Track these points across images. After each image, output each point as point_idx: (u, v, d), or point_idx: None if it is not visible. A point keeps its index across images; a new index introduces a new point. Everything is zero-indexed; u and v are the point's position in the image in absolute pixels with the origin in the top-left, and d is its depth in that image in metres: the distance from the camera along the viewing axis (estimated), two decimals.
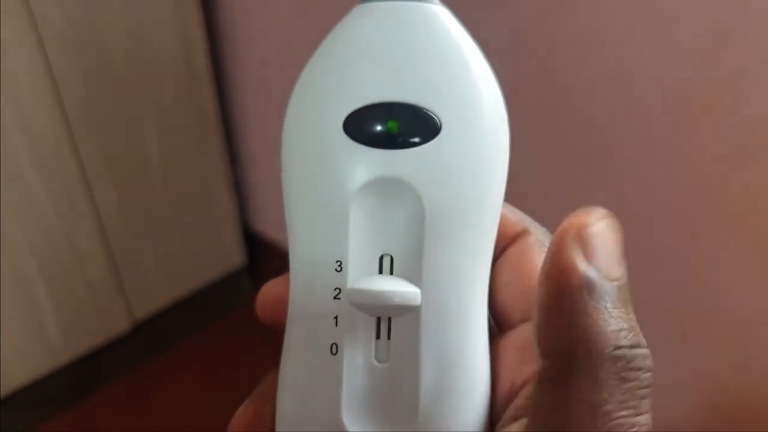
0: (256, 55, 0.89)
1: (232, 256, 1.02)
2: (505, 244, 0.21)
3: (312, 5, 0.76)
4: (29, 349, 0.84)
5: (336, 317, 0.19)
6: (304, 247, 0.19)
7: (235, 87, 0.94)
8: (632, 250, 0.58)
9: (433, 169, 0.18)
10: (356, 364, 0.19)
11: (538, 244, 0.20)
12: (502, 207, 0.20)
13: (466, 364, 0.19)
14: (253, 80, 0.91)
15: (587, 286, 0.15)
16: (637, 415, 0.15)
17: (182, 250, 0.95)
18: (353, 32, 0.19)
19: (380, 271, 0.19)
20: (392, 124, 0.18)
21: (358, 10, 0.19)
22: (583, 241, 0.16)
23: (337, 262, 0.18)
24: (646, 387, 0.15)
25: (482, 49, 0.19)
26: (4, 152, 0.73)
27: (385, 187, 0.18)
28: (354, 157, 0.18)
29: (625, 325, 0.16)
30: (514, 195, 0.23)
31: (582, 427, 0.15)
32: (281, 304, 0.20)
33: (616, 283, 0.16)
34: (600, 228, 0.16)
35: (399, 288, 0.18)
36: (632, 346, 0.15)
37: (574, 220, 0.16)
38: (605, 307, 0.15)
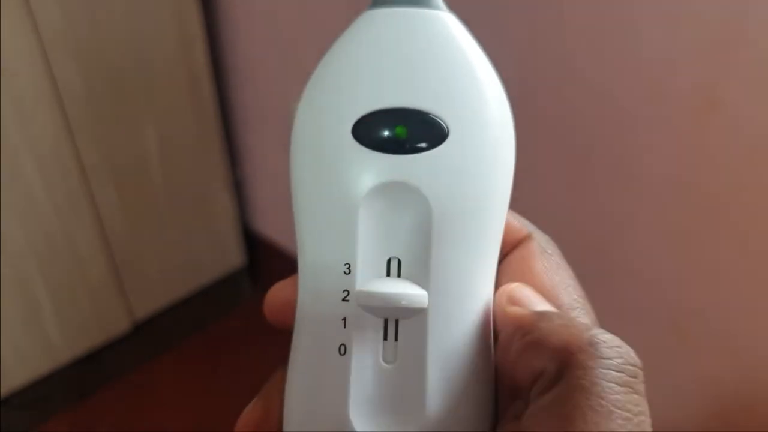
0: (256, 55, 0.89)
1: (232, 256, 1.02)
2: (509, 248, 0.21)
3: (312, 5, 0.76)
4: (29, 349, 0.84)
5: (344, 319, 0.19)
6: (313, 250, 0.19)
7: (235, 87, 0.94)
8: (633, 250, 0.58)
9: (440, 174, 0.18)
10: (364, 364, 0.19)
11: (539, 250, 0.21)
12: (507, 213, 0.20)
13: (472, 366, 0.19)
14: (253, 80, 0.91)
15: (538, 317, 0.18)
16: (634, 393, 0.16)
17: (182, 251, 0.95)
18: (361, 38, 0.19)
19: (388, 274, 0.19)
20: (400, 130, 0.18)
21: (367, 17, 0.20)
22: (515, 299, 0.19)
23: (345, 264, 0.19)
24: (634, 365, 0.16)
25: (489, 55, 0.20)
26: (4, 152, 0.73)
27: (394, 192, 0.19)
28: (363, 162, 0.19)
29: (583, 325, 0.18)
30: (520, 199, 0.24)
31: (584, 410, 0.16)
32: (289, 306, 0.20)
33: (553, 309, 0.19)
34: (520, 287, 0.20)
35: (406, 290, 0.18)
36: (604, 332, 0.17)
37: (499, 293, 0.20)
38: (563, 319, 0.18)
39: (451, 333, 0.19)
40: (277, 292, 0.21)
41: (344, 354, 0.19)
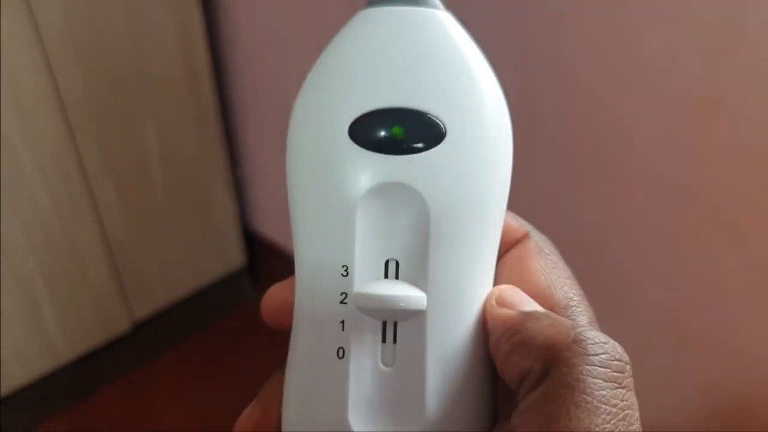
0: (256, 54, 0.89)
1: (232, 256, 1.02)
2: (507, 248, 0.21)
3: (312, 5, 0.76)
4: (29, 349, 0.84)
5: (342, 321, 0.19)
6: (310, 252, 0.19)
7: (235, 87, 0.94)
8: (632, 251, 0.58)
9: (438, 175, 0.18)
10: (363, 367, 0.19)
11: (537, 249, 0.21)
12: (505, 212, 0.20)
13: (471, 367, 0.19)
14: (253, 80, 0.91)
15: (525, 317, 0.18)
16: (619, 387, 0.16)
17: (182, 251, 0.95)
18: (357, 37, 0.19)
19: (386, 276, 0.19)
20: (397, 130, 0.18)
21: (362, 15, 0.19)
22: (503, 301, 0.19)
23: (343, 266, 0.19)
24: (620, 360, 0.17)
25: (487, 54, 0.20)
26: (4, 152, 0.73)
27: (391, 193, 0.18)
28: (360, 163, 0.18)
29: (570, 322, 0.18)
30: (518, 199, 0.24)
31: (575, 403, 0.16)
32: (286, 308, 0.20)
33: (541, 309, 0.19)
34: (508, 288, 0.20)
35: (405, 292, 0.18)
36: (590, 329, 0.17)
37: (488, 295, 0.20)
38: (550, 319, 0.18)
39: (450, 335, 0.19)
40: (274, 294, 0.21)
41: (342, 357, 0.19)
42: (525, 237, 0.21)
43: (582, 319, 0.19)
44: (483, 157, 0.19)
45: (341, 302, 0.19)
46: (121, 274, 0.89)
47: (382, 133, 0.18)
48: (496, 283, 0.20)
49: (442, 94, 0.19)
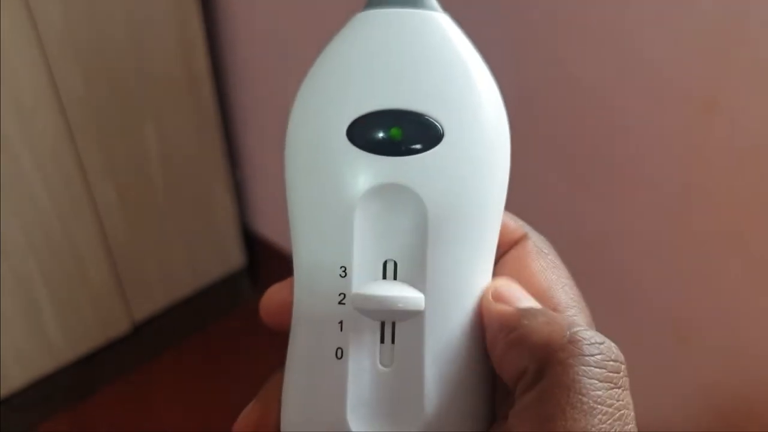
0: (256, 55, 0.89)
1: (232, 257, 1.02)
2: (505, 249, 0.21)
3: (312, 6, 0.76)
4: (29, 350, 0.84)
5: (341, 322, 0.19)
6: (308, 253, 0.19)
7: (235, 88, 0.94)
8: (631, 252, 0.58)
9: (435, 176, 0.18)
10: (361, 368, 0.19)
11: (535, 250, 0.21)
12: (503, 213, 0.20)
13: (469, 367, 0.19)
14: (253, 81, 0.91)
15: (522, 314, 0.18)
16: (615, 387, 0.16)
17: (182, 252, 0.95)
18: (355, 39, 0.19)
19: (384, 277, 0.19)
20: (395, 132, 0.18)
21: (360, 17, 0.19)
22: (500, 296, 0.19)
23: (341, 267, 0.19)
24: (615, 360, 0.17)
25: (485, 55, 0.20)
26: (4, 152, 0.73)
27: (389, 194, 0.18)
28: (358, 164, 0.18)
29: (568, 318, 0.18)
30: (516, 200, 0.24)
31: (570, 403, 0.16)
32: (285, 308, 0.20)
33: (537, 305, 0.19)
34: (505, 283, 0.20)
35: (403, 293, 0.18)
36: (586, 328, 0.17)
37: (485, 290, 0.20)
38: (546, 317, 0.18)
39: (448, 335, 0.19)
40: (273, 295, 0.21)
41: (341, 358, 0.19)
42: (523, 238, 0.21)
43: (580, 319, 0.19)
44: (481, 158, 0.19)
45: (339, 303, 0.19)
46: (121, 274, 0.89)
47: (380, 135, 0.18)
48: None
49: (439, 96, 0.19)
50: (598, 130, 0.58)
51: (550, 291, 0.20)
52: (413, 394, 0.19)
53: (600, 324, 0.20)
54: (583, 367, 0.16)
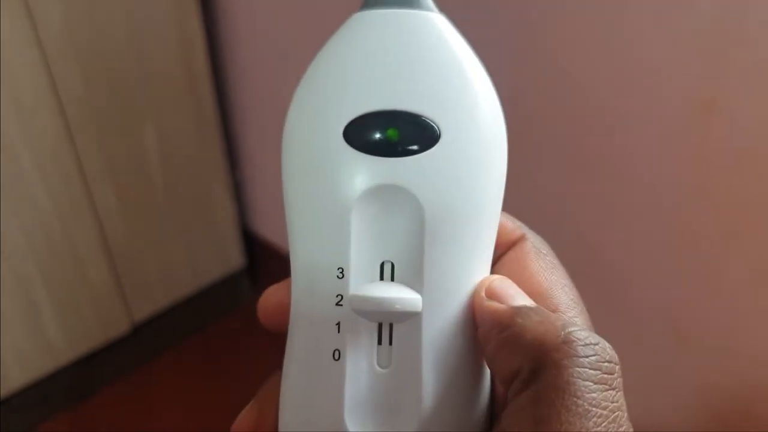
0: (255, 56, 0.89)
1: (232, 257, 1.02)
2: (503, 250, 0.21)
3: (312, 6, 0.76)
4: (29, 350, 0.84)
5: (338, 323, 0.19)
6: (305, 254, 0.19)
7: (234, 88, 0.94)
8: (630, 253, 0.58)
9: (432, 177, 0.18)
10: (358, 369, 0.19)
11: (534, 251, 0.21)
12: (500, 215, 0.20)
13: (467, 369, 0.19)
14: (253, 81, 0.91)
15: (515, 312, 0.18)
16: (609, 389, 0.16)
17: (182, 252, 0.95)
18: (352, 40, 0.19)
19: (381, 278, 0.19)
20: (392, 133, 0.18)
21: (357, 18, 0.19)
22: (493, 293, 0.19)
23: (338, 269, 0.19)
24: (610, 362, 0.17)
25: (481, 56, 0.20)
26: (4, 153, 0.73)
27: (386, 195, 0.18)
28: (354, 165, 0.18)
29: (562, 317, 0.18)
30: (515, 201, 0.24)
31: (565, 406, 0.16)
32: (283, 310, 0.20)
33: (532, 304, 0.19)
34: (499, 280, 0.19)
35: (400, 294, 0.18)
36: (581, 329, 0.17)
37: (479, 285, 0.19)
38: (540, 316, 0.18)
39: (446, 336, 0.19)
40: (270, 296, 0.21)
41: (338, 359, 0.19)
42: (522, 239, 0.21)
43: (581, 321, 0.20)
44: (477, 159, 0.19)
45: (337, 304, 0.19)
46: (121, 274, 0.89)
47: (377, 136, 0.18)
48: None
49: (436, 97, 0.19)
50: (597, 131, 0.58)
51: (549, 292, 0.20)
52: (411, 395, 0.19)
53: (598, 324, 0.20)
54: (578, 369, 0.16)
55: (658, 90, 0.53)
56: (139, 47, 0.81)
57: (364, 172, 0.18)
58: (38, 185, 0.77)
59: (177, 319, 0.98)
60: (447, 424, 0.19)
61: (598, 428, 0.15)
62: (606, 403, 0.16)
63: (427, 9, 0.19)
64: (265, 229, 1.04)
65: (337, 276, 0.19)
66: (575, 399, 0.15)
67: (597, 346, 0.17)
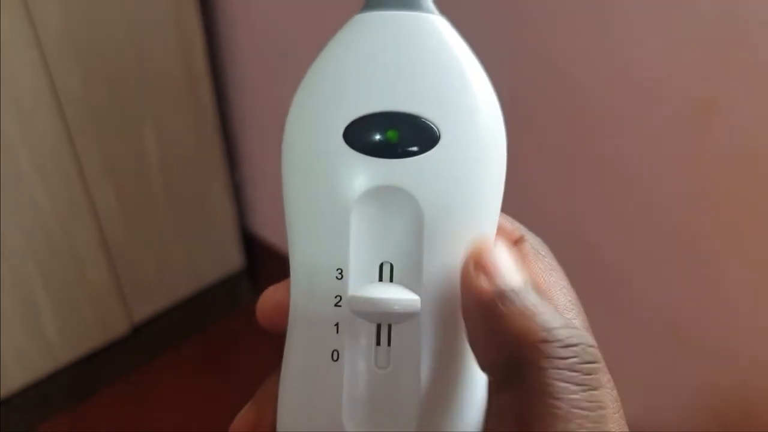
0: (255, 56, 0.89)
1: (231, 258, 1.02)
2: None
3: (311, 7, 0.76)
4: (29, 351, 0.84)
5: (337, 324, 0.19)
6: (304, 255, 0.19)
7: (234, 89, 0.94)
8: (632, 252, 0.57)
9: (431, 178, 0.18)
10: (357, 370, 0.19)
11: (532, 252, 0.21)
12: (499, 216, 0.20)
13: (465, 370, 0.19)
14: (252, 82, 0.91)
15: (498, 298, 0.17)
16: (590, 389, 0.16)
17: (181, 253, 0.95)
18: (352, 42, 0.19)
19: (380, 279, 0.19)
20: (392, 134, 0.18)
21: (357, 20, 0.20)
22: (481, 266, 0.18)
23: (337, 269, 0.19)
24: (590, 362, 0.16)
25: (481, 58, 0.20)
26: (4, 154, 0.73)
27: (385, 196, 0.19)
28: (354, 166, 0.18)
29: (546, 311, 0.17)
30: (516, 201, 0.24)
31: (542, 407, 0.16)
32: (281, 310, 0.20)
33: (520, 286, 0.18)
34: (492, 250, 0.18)
35: (399, 295, 0.18)
36: (562, 327, 0.16)
37: (470, 252, 0.18)
38: (523, 307, 0.17)
39: (444, 337, 0.19)
40: (269, 297, 0.21)
41: (337, 360, 0.19)
42: (520, 240, 0.21)
43: (578, 322, 0.19)
44: (477, 160, 0.19)
45: (336, 305, 0.19)
46: (120, 275, 0.89)
47: (377, 137, 0.18)
48: None
49: (436, 99, 0.19)
50: (597, 131, 0.58)
51: (548, 293, 0.20)
52: (409, 396, 0.19)
53: (598, 325, 0.20)
54: (557, 371, 0.16)
55: (657, 90, 0.53)
56: (138, 47, 0.81)
57: (363, 173, 0.18)
58: (38, 186, 0.77)
59: (176, 320, 0.98)
60: (445, 424, 0.19)
61: (582, 430, 0.15)
62: (587, 404, 0.16)
63: (428, 11, 0.19)
64: (264, 230, 1.04)
65: (336, 277, 0.19)
66: (555, 401, 0.15)
67: (577, 348, 0.16)
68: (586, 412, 0.15)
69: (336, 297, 0.19)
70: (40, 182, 0.77)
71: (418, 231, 0.19)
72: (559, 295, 0.20)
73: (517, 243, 0.21)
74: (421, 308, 0.19)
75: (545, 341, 0.16)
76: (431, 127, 0.18)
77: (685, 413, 0.63)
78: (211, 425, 0.83)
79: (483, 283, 0.18)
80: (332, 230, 0.19)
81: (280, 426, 0.20)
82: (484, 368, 0.18)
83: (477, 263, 0.18)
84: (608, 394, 0.16)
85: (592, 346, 0.16)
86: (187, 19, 0.84)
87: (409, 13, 0.19)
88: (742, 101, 0.49)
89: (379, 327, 0.19)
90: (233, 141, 0.98)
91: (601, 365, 0.16)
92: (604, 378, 0.16)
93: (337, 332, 0.19)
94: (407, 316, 0.19)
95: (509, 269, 0.18)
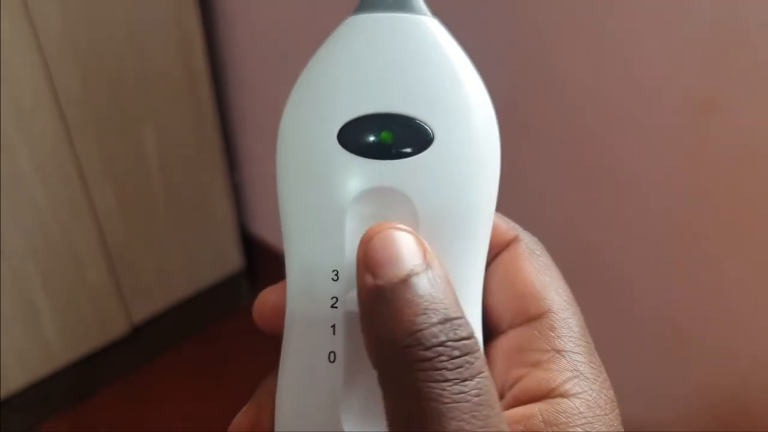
0: (255, 57, 0.89)
1: (231, 259, 1.02)
2: (497, 250, 0.21)
3: (310, 8, 0.76)
4: (28, 352, 0.84)
5: (333, 325, 0.19)
6: (300, 257, 0.19)
7: (234, 89, 0.94)
8: (631, 252, 0.57)
9: (426, 179, 0.18)
10: (354, 371, 0.19)
11: (528, 252, 0.21)
12: (494, 215, 0.20)
13: None
14: (252, 82, 0.92)
15: (376, 297, 0.16)
16: (464, 380, 0.15)
17: (181, 253, 0.95)
18: (346, 43, 0.19)
19: None
20: (386, 135, 0.19)
21: (351, 22, 0.20)
22: (364, 262, 0.17)
23: (333, 271, 0.19)
24: (458, 357, 0.16)
25: (474, 59, 0.20)
26: (4, 154, 0.73)
27: (380, 197, 0.19)
28: (349, 168, 0.19)
29: (418, 309, 0.16)
30: (516, 202, 0.24)
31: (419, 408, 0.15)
32: (278, 312, 0.20)
33: (402, 278, 0.17)
34: (371, 242, 0.17)
35: None
36: (427, 327, 0.16)
37: (362, 239, 0.17)
38: (394, 308, 0.16)
39: None
40: (265, 298, 0.21)
41: (334, 361, 0.19)
42: (515, 240, 0.21)
43: (573, 323, 0.19)
44: (471, 161, 0.19)
45: (332, 306, 0.19)
46: (120, 275, 0.89)
47: (371, 138, 0.18)
48: (488, 287, 0.20)
49: (429, 100, 0.19)
50: (596, 131, 0.58)
51: (543, 292, 0.20)
52: None
53: (598, 325, 0.20)
54: (425, 373, 0.15)
55: (657, 90, 0.53)
56: (138, 48, 0.81)
57: (358, 174, 0.18)
58: (37, 186, 0.77)
59: (176, 320, 0.98)
60: None
61: (461, 422, 0.15)
62: (463, 395, 0.15)
63: (421, 13, 0.19)
64: (264, 231, 1.04)
65: (332, 278, 0.19)
66: (430, 403, 0.15)
67: (440, 347, 0.16)
68: (464, 404, 0.15)
69: (332, 298, 0.19)
70: (39, 182, 0.77)
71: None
72: (554, 295, 0.20)
73: (512, 242, 0.21)
74: None
75: (408, 347, 0.16)
76: (425, 129, 0.19)
77: (685, 413, 0.63)
78: (210, 425, 0.84)
79: (366, 280, 0.17)
80: (328, 231, 0.19)
81: (278, 426, 0.20)
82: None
83: (361, 257, 0.17)
84: (489, 379, 0.16)
85: (463, 339, 0.16)
86: (187, 19, 0.84)
87: (401, 14, 0.19)
88: (742, 101, 0.49)
89: None
90: (233, 141, 0.98)
91: (474, 355, 0.16)
92: (481, 363, 0.16)
93: (334, 333, 0.19)
94: None
95: (388, 263, 0.17)
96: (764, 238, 0.52)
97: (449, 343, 0.16)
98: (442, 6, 0.23)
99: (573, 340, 0.19)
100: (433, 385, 0.15)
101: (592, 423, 0.17)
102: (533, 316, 0.20)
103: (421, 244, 0.17)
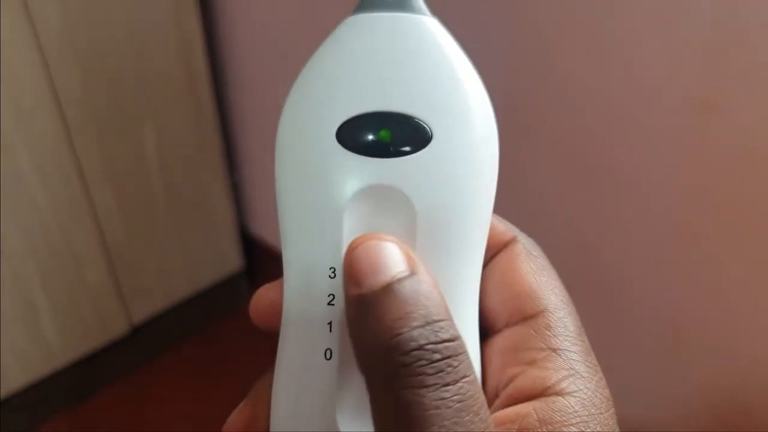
0: (255, 56, 0.89)
1: (231, 259, 1.02)
2: (494, 251, 0.21)
3: (310, 8, 0.76)
4: (28, 352, 0.84)
5: (330, 323, 0.19)
6: (298, 254, 0.19)
7: (234, 89, 0.94)
8: (631, 252, 0.57)
9: (424, 178, 0.18)
10: (350, 368, 0.19)
11: (525, 253, 0.21)
12: (491, 216, 0.20)
13: None
14: (252, 82, 0.92)
15: (360, 305, 0.17)
16: (445, 385, 0.15)
17: (180, 254, 0.95)
18: (345, 43, 0.19)
19: None
20: (384, 134, 0.19)
21: (350, 21, 0.20)
22: (348, 272, 0.17)
23: (330, 268, 0.19)
24: (438, 360, 0.16)
25: (473, 58, 0.20)
26: (4, 154, 0.73)
27: (378, 195, 0.19)
28: (347, 166, 0.19)
29: (405, 310, 0.16)
30: (515, 202, 0.24)
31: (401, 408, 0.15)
32: (275, 309, 0.20)
33: (384, 286, 0.17)
34: (354, 252, 0.17)
35: None
36: (407, 330, 0.16)
37: (348, 247, 0.18)
38: (377, 316, 0.16)
39: None
40: (262, 295, 0.21)
41: (330, 359, 0.19)
42: (512, 240, 0.21)
43: (569, 322, 0.19)
44: (469, 160, 0.19)
45: (329, 304, 0.19)
46: (120, 276, 0.89)
47: (370, 137, 0.19)
48: (484, 287, 0.20)
49: (428, 99, 0.19)
50: (596, 131, 0.58)
51: (539, 292, 0.20)
52: None
53: (598, 325, 0.20)
54: (406, 379, 0.15)
55: (657, 90, 0.53)
56: (138, 48, 0.81)
57: (356, 172, 0.19)
58: (37, 186, 0.77)
59: (176, 320, 0.98)
60: None
61: (442, 429, 0.15)
62: (444, 401, 0.15)
63: (420, 12, 0.20)
64: (263, 231, 1.04)
65: (330, 276, 0.19)
66: (411, 410, 0.15)
67: (419, 351, 0.16)
68: (446, 410, 0.15)
69: (329, 296, 0.19)
70: (39, 182, 0.77)
71: (410, 230, 0.19)
72: (550, 296, 0.20)
73: (509, 243, 0.21)
74: None
75: (388, 352, 0.16)
76: (423, 127, 0.19)
77: (685, 413, 0.63)
78: (210, 425, 0.83)
79: (349, 289, 0.17)
80: (326, 229, 0.19)
81: (273, 425, 0.20)
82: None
83: (345, 270, 0.17)
84: (474, 381, 0.16)
85: (445, 341, 0.16)
86: (187, 19, 0.84)
87: (401, 14, 0.19)
88: (742, 101, 0.49)
89: None
90: (233, 141, 0.98)
91: (458, 357, 0.16)
92: (465, 366, 0.16)
93: (330, 331, 0.19)
94: None
95: (367, 273, 0.17)
96: (764, 238, 0.52)
97: (429, 346, 0.16)
98: (442, 6, 0.23)
99: (569, 339, 0.19)
100: (414, 391, 0.15)
101: (587, 422, 0.17)
102: (529, 315, 0.20)
103: (405, 252, 0.17)
